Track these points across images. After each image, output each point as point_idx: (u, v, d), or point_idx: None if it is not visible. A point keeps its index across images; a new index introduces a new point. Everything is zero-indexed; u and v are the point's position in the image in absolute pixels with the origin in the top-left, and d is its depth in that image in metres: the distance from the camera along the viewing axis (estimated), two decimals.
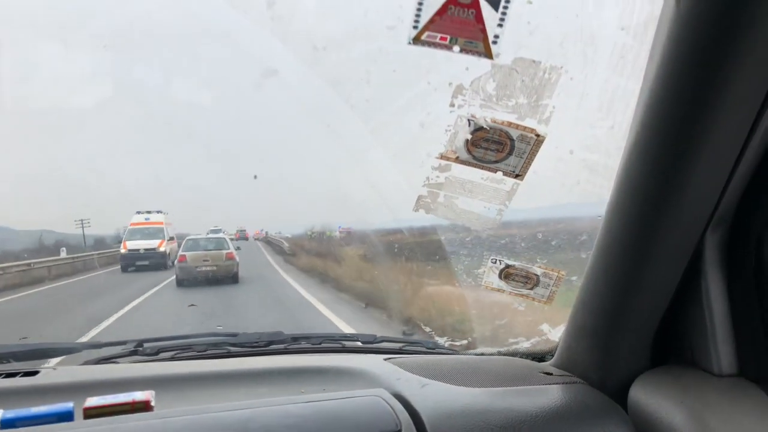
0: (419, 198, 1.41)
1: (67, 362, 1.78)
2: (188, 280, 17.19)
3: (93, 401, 1.21)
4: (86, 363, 1.69)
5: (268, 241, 43.87)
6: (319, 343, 1.88)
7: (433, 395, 1.31)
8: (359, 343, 1.91)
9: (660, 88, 1.00)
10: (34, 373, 1.51)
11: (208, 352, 1.79)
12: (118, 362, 1.71)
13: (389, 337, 1.98)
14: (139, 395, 1.24)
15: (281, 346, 1.83)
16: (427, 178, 1.37)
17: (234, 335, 1.87)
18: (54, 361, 1.77)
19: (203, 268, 17.66)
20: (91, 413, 1.19)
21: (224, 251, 18.45)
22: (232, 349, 1.81)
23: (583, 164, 1.35)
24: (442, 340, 2.00)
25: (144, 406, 1.22)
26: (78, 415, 1.18)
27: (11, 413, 1.16)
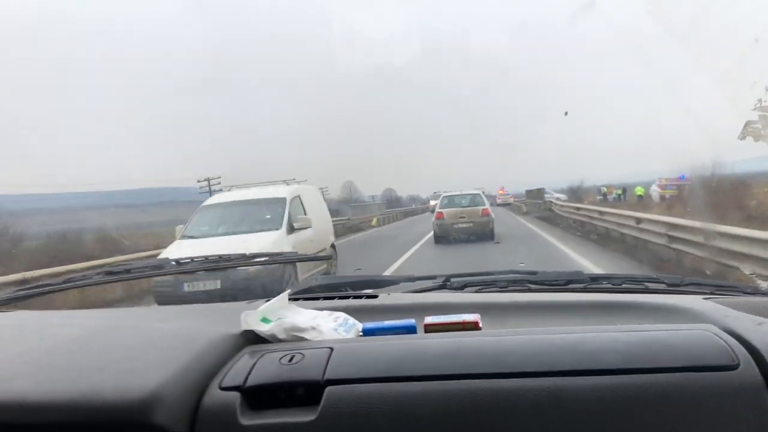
0: (747, 124, 1.29)
1: (393, 291, 2.04)
2: (446, 238, 17.83)
3: (431, 319, 1.39)
4: (407, 292, 1.93)
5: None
6: (620, 284, 1.84)
7: None
8: (664, 285, 1.82)
9: None
10: (375, 296, 1.78)
11: (509, 288, 1.88)
12: (430, 293, 1.91)
13: (698, 280, 1.85)
14: (468, 316, 1.38)
15: (580, 285, 1.84)
16: (759, 101, 1.26)
17: (534, 273, 1.93)
18: (385, 290, 2.05)
19: (460, 225, 18.16)
20: (430, 329, 1.37)
21: (480, 207, 18.63)
22: (532, 286, 1.87)
23: None
24: (764, 284, 1.81)
25: (473, 326, 1.36)
26: (419, 329, 1.38)
27: (370, 324, 1.41)
